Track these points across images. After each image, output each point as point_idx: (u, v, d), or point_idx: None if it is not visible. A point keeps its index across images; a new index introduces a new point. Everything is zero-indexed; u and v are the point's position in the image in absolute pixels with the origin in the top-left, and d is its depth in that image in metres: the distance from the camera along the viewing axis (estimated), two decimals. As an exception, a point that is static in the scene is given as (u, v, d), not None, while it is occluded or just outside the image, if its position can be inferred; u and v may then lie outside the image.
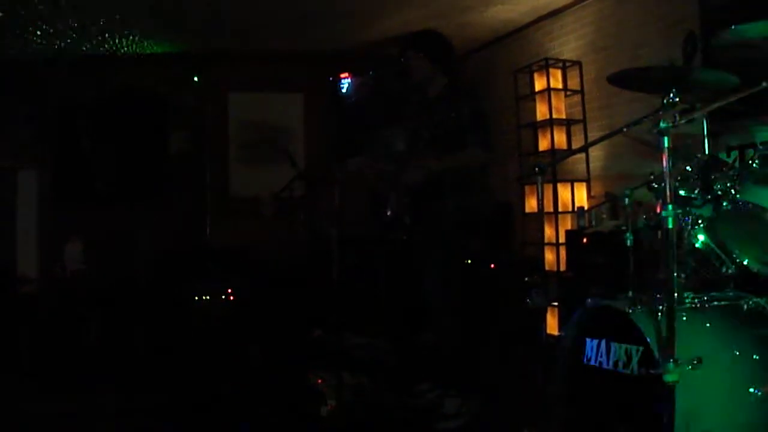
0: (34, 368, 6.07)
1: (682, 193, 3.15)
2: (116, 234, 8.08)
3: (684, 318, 2.76)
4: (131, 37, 7.76)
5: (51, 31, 7.16)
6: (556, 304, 6.51)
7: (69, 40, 7.54)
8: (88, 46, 7.76)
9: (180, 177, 8.60)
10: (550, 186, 6.96)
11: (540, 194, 3.78)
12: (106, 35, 7.54)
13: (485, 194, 4.70)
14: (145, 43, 8.03)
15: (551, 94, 7.11)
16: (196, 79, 8.60)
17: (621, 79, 3.32)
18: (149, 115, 8.60)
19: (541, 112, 7.22)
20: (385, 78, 7.43)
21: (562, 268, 6.82)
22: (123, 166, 8.44)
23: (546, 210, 6.98)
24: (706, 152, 4.12)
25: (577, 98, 7.15)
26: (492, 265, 6.81)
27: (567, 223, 6.97)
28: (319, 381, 4.78)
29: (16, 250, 8.17)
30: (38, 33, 7.13)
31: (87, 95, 8.31)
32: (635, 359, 2.78)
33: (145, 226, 8.23)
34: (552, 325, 6.59)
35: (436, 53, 4.69)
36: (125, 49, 8.06)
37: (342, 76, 8.64)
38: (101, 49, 7.91)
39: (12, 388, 5.47)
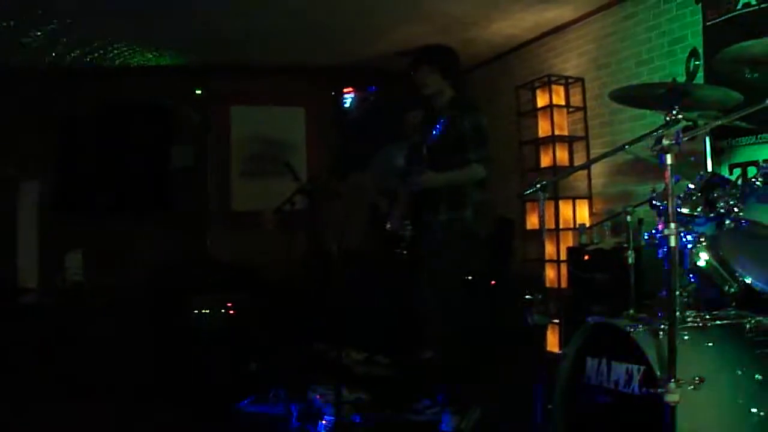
0: (33, 378, 6.04)
1: (684, 210, 3.13)
2: (117, 246, 8.06)
3: (686, 337, 2.74)
4: (134, 49, 7.77)
5: (54, 42, 7.16)
6: (556, 321, 6.48)
7: (72, 51, 7.55)
8: (91, 57, 7.76)
9: (182, 190, 8.59)
10: (552, 203, 6.93)
11: (542, 211, 3.77)
12: (109, 47, 7.55)
13: (482, 208, 4.69)
14: (148, 55, 8.04)
15: (553, 110, 7.11)
16: (198, 92, 8.60)
17: (623, 96, 3.32)
18: (151, 128, 8.60)
19: (543, 128, 7.21)
20: (388, 93, 7.42)
21: (563, 285, 6.79)
22: (125, 178, 8.43)
23: (547, 227, 6.95)
24: (709, 170, 4.11)
25: (579, 115, 7.14)
26: (492, 282, 6.79)
27: (568, 240, 6.95)
28: (318, 396, 4.76)
29: (17, 261, 8.15)
30: (41, 44, 7.14)
31: (89, 106, 8.30)
32: (636, 378, 2.75)
33: (146, 238, 8.21)
34: (552, 343, 6.56)
35: (447, 67, 4.72)
36: (128, 60, 8.07)
37: (345, 90, 8.64)
38: (104, 60, 7.92)
39: (11, 398, 5.44)
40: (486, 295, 6.51)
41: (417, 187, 4.57)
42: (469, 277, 6.12)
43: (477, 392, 4.54)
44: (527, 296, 6.49)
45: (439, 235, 4.56)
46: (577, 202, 7.03)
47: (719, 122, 3.11)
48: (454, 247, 4.56)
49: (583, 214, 6.98)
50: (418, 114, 5.82)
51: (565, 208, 7.02)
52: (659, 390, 2.49)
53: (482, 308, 6.15)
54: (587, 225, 6.66)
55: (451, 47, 4.89)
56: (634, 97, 3.40)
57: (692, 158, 4.24)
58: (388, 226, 4.86)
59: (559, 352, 6.31)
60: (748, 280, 3.00)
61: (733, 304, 3.09)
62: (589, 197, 6.99)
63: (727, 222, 3.07)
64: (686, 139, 2.76)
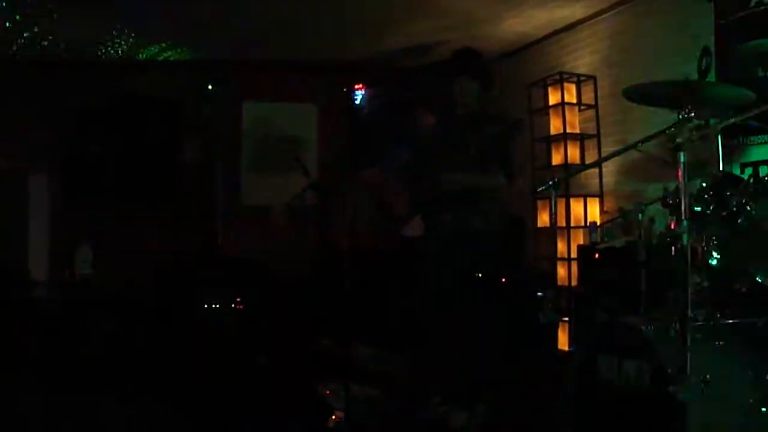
0: (41, 372, 6.07)
1: (696, 209, 3.12)
2: (126, 240, 8.08)
3: (697, 336, 2.73)
4: (146, 43, 7.78)
5: (66, 35, 7.18)
6: (567, 319, 6.48)
7: (84, 44, 7.57)
8: (102, 50, 7.78)
9: (192, 184, 8.61)
10: (563, 201, 6.92)
11: (553, 209, 3.77)
12: (122, 40, 7.56)
13: (490, 210, 4.69)
14: (161, 50, 8.05)
15: (565, 108, 7.09)
16: (210, 86, 8.62)
17: (636, 94, 3.31)
18: (162, 122, 8.62)
19: (555, 126, 7.20)
20: (399, 89, 7.44)
21: (574, 283, 6.78)
22: (135, 172, 8.45)
23: (558, 225, 6.94)
24: (721, 168, 4.11)
25: (591, 113, 7.13)
26: (503, 279, 6.78)
27: (579, 238, 6.94)
28: (328, 392, 4.77)
29: (26, 253, 8.19)
30: (52, 37, 7.16)
31: (101, 100, 8.32)
32: (647, 376, 2.75)
33: (156, 232, 8.23)
34: (563, 341, 6.55)
35: (486, 79, 4.74)
36: (140, 55, 8.08)
37: (356, 87, 8.65)
38: (116, 54, 7.93)
39: (18, 391, 5.47)
40: (497, 293, 6.51)
41: (445, 185, 4.54)
42: (480, 275, 6.11)
43: (487, 390, 4.54)
44: (539, 294, 6.50)
45: (445, 234, 4.57)
46: (588, 200, 7.02)
47: (731, 121, 3.11)
48: (458, 246, 4.57)
49: (594, 212, 6.97)
50: (428, 111, 5.83)
51: (576, 206, 7.01)
52: (670, 388, 2.49)
53: (493, 306, 6.14)
54: (598, 223, 6.65)
55: (481, 53, 4.90)
56: (646, 95, 3.39)
57: (704, 156, 4.24)
58: (396, 220, 4.88)
59: (571, 349, 6.32)
60: (760, 280, 2.99)
61: (745, 303, 3.08)
62: (601, 195, 6.98)
63: (739, 221, 3.06)
64: (698, 137, 2.76)
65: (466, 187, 4.50)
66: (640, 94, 3.40)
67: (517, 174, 4.62)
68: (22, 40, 7.20)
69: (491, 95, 4.86)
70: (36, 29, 6.97)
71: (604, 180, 6.96)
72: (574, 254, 6.81)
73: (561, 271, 7.01)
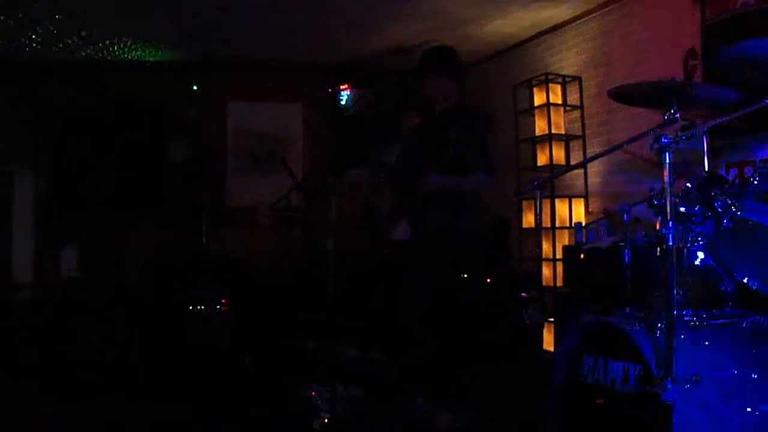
0: (27, 375, 6.02)
1: (682, 209, 3.12)
2: (112, 241, 8.04)
3: (682, 336, 2.73)
4: (131, 44, 7.75)
5: (51, 35, 7.14)
6: (552, 320, 6.48)
7: (68, 45, 7.53)
8: (87, 51, 7.74)
9: (177, 185, 8.56)
10: (548, 201, 6.93)
11: (538, 209, 3.77)
12: (106, 41, 7.53)
13: (476, 209, 4.67)
14: (145, 50, 8.01)
15: (550, 109, 7.10)
16: (195, 87, 8.58)
17: (622, 94, 3.31)
18: (148, 122, 8.57)
19: (540, 127, 7.21)
20: (384, 90, 7.42)
21: (559, 283, 6.79)
22: (120, 173, 8.39)
23: (543, 225, 6.95)
24: (706, 169, 4.11)
25: (576, 114, 7.14)
26: (488, 280, 6.78)
27: (564, 239, 6.95)
28: (313, 393, 4.76)
29: (11, 255, 8.13)
30: (38, 37, 7.11)
31: (86, 101, 8.27)
32: (633, 377, 2.75)
33: (142, 233, 8.18)
34: (548, 341, 6.56)
35: (457, 72, 4.70)
36: (125, 55, 8.05)
37: (341, 87, 8.63)
38: (101, 54, 7.90)
39: (5, 395, 5.43)
40: (482, 293, 6.51)
41: (427, 188, 4.51)
42: (465, 275, 6.10)
43: (471, 390, 4.53)
44: (523, 294, 6.50)
45: (433, 234, 4.54)
46: (574, 200, 7.03)
47: (717, 121, 3.11)
48: (444, 248, 4.55)
49: (580, 212, 6.99)
50: (411, 111, 5.79)
51: (562, 207, 7.02)
52: (656, 388, 2.49)
53: (478, 306, 6.14)
54: (583, 224, 6.66)
55: (454, 49, 4.85)
56: (632, 95, 3.40)
57: (690, 157, 4.24)
58: (383, 224, 4.86)
59: (556, 350, 6.32)
60: (745, 280, 3.00)
61: (730, 303, 3.09)
62: (586, 196, 7.00)
63: (725, 221, 3.06)
64: (684, 138, 2.75)
65: (451, 187, 4.47)
66: (625, 95, 3.40)
67: (497, 169, 4.59)
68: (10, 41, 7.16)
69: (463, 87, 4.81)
70: (23, 30, 6.94)
71: (589, 180, 6.98)
72: (559, 254, 6.82)
73: (546, 271, 7.02)
